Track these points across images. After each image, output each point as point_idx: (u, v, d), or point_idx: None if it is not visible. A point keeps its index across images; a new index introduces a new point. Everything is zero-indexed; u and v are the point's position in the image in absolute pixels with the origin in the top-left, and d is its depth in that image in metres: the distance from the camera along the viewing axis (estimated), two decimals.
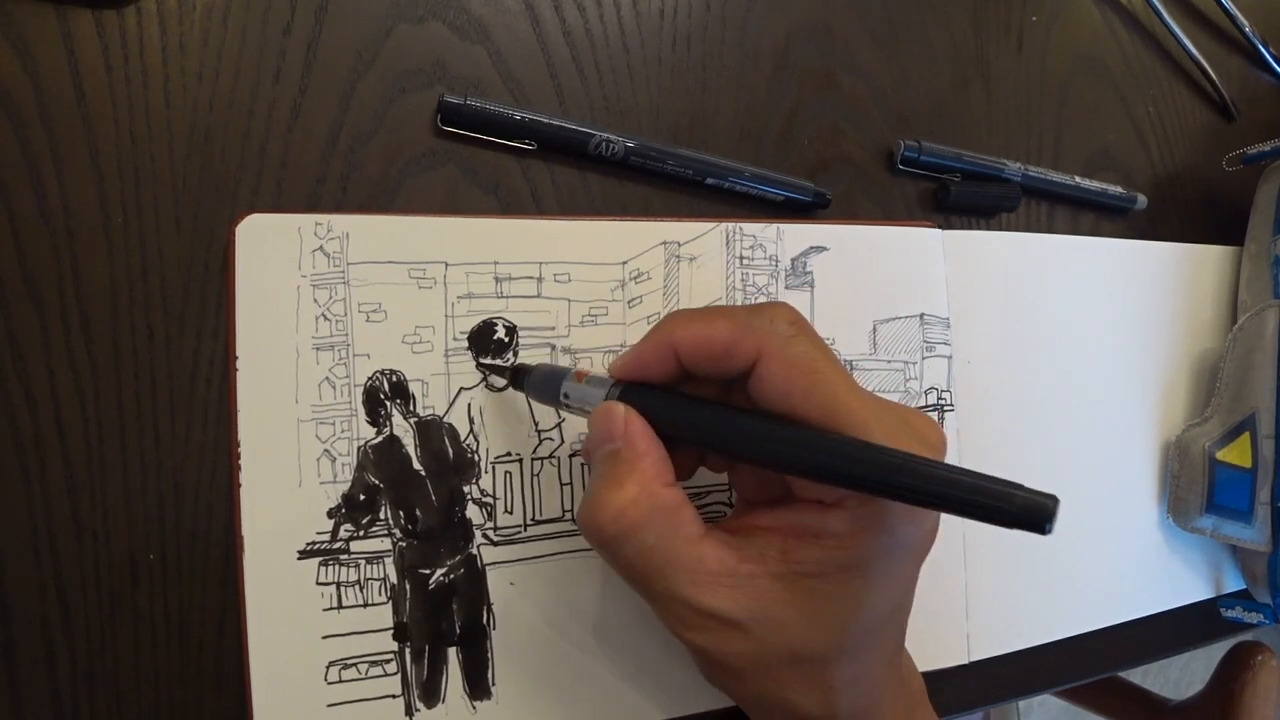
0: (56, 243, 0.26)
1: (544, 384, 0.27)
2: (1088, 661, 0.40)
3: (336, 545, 0.28)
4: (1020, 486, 0.19)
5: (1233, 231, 0.47)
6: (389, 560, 0.28)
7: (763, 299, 0.34)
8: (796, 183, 0.35)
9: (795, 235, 0.35)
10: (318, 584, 0.27)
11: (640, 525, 0.23)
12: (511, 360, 0.30)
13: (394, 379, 0.29)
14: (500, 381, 0.30)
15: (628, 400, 0.25)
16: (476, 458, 0.30)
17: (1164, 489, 0.43)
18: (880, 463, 0.20)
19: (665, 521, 0.23)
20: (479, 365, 0.30)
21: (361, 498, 0.28)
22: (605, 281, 0.32)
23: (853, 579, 0.23)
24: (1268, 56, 0.51)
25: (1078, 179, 0.43)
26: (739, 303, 0.34)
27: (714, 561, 0.23)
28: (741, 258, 0.34)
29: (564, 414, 0.31)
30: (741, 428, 0.23)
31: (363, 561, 0.28)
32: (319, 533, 0.27)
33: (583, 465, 0.31)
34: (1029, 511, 0.19)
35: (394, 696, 0.28)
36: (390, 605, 0.28)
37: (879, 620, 0.24)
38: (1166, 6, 0.47)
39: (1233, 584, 0.45)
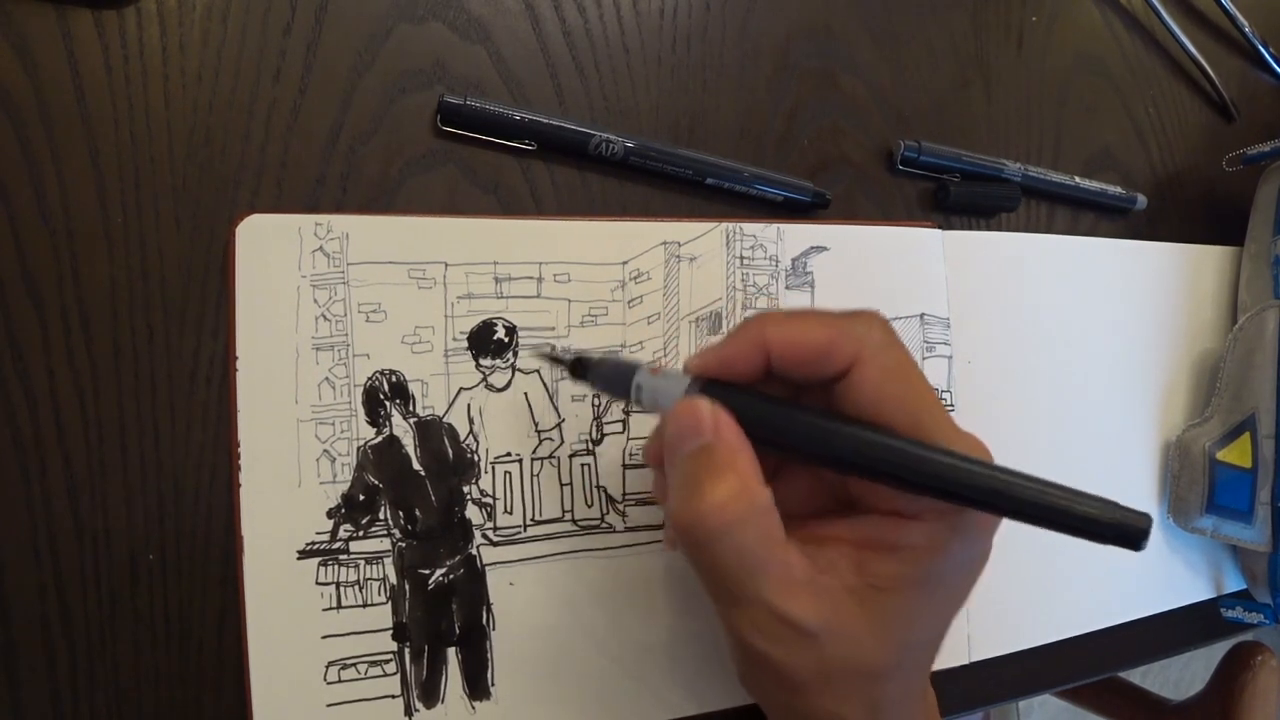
0: (56, 243, 0.26)
1: (613, 376, 0.26)
2: (1088, 661, 0.40)
3: (336, 545, 0.28)
4: (1116, 505, 0.20)
5: (1233, 231, 0.47)
6: (388, 560, 0.28)
7: (763, 299, 0.34)
8: (796, 183, 0.35)
9: (795, 235, 0.35)
10: (317, 584, 0.27)
11: (738, 522, 0.22)
12: (569, 353, 0.28)
13: (394, 379, 0.29)
14: (501, 381, 0.30)
15: (711, 396, 0.23)
16: (476, 458, 0.30)
17: (1164, 489, 0.43)
18: (991, 478, 0.21)
19: (761, 521, 0.22)
20: (543, 355, 0.30)
21: (361, 498, 0.28)
22: (605, 281, 0.32)
23: (920, 594, 0.23)
24: (1268, 56, 0.51)
25: (1077, 179, 0.43)
26: (739, 302, 0.34)
27: (799, 569, 0.23)
28: (742, 258, 0.34)
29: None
30: (850, 435, 0.22)
31: (362, 562, 0.28)
32: (319, 533, 0.27)
33: (583, 466, 0.31)
34: (1124, 529, 0.19)
35: (393, 697, 0.28)
36: (390, 605, 0.28)
37: (933, 636, 0.24)
38: (1166, 6, 0.47)
39: (1233, 584, 0.45)
